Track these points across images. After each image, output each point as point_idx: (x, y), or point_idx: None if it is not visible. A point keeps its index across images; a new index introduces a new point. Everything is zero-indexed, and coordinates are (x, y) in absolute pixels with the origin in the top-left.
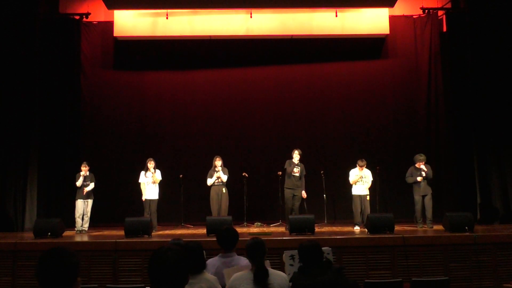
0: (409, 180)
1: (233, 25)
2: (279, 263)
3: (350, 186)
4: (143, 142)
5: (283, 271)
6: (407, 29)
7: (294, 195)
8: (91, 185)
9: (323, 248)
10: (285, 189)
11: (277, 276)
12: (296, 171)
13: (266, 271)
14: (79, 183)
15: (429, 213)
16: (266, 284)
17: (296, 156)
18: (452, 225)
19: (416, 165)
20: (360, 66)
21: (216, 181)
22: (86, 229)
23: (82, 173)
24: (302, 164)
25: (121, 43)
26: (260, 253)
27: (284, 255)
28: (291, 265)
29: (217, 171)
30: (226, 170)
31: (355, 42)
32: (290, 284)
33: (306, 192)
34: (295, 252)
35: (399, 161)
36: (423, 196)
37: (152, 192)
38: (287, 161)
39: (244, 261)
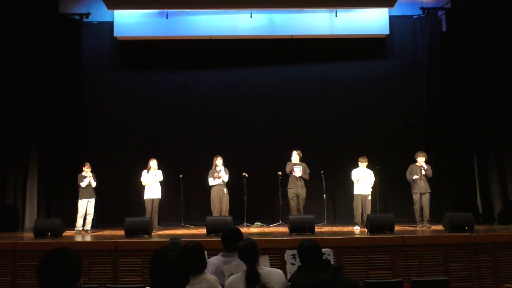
0: (409, 177)
1: (233, 25)
2: (279, 263)
3: (350, 186)
4: (143, 142)
5: (284, 270)
6: (407, 29)
7: (297, 195)
8: (93, 183)
9: (323, 250)
10: (288, 190)
11: (273, 274)
12: (297, 170)
13: (257, 273)
14: (84, 183)
15: (426, 212)
16: (263, 283)
17: (294, 156)
18: (452, 225)
19: (417, 163)
20: (360, 66)
21: (218, 181)
22: (89, 228)
23: (84, 173)
24: (304, 163)
25: (121, 43)
26: (251, 255)
27: (285, 254)
28: (293, 264)
29: (219, 171)
30: (226, 170)
31: (355, 42)
32: (289, 284)
33: (306, 192)
34: (296, 251)
35: (399, 161)
36: (422, 195)
37: (155, 191)
38: (287, 163)
39: None
